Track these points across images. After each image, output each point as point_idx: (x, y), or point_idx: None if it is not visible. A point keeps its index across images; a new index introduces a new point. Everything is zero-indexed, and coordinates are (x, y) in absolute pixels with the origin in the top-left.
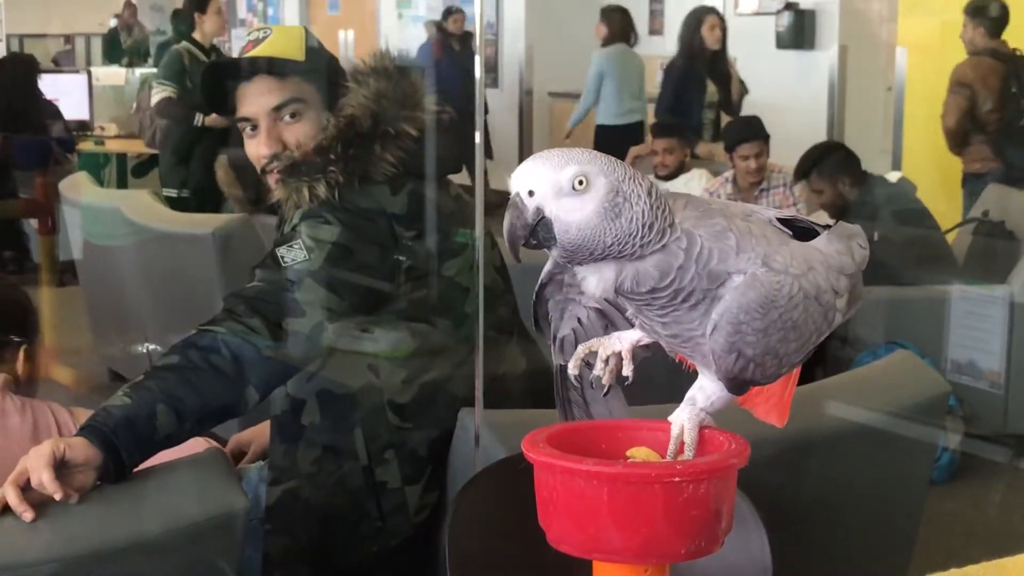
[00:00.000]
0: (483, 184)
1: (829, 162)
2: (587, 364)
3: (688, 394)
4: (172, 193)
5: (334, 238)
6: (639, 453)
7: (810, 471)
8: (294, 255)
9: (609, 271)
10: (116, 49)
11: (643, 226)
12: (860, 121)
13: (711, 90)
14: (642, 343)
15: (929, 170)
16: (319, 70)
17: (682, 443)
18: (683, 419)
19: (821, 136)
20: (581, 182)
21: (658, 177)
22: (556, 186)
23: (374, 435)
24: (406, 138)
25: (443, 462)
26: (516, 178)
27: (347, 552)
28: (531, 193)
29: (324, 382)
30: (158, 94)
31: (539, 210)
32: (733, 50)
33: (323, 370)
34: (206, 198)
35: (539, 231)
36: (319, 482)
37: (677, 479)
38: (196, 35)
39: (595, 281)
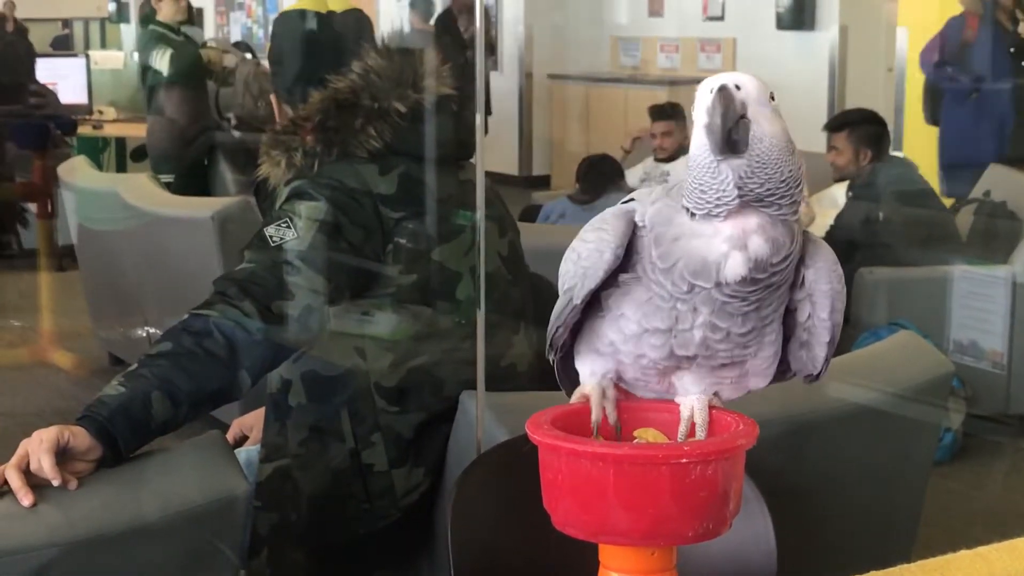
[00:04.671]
0: (483, 168)
1: (864, 131)
2: None
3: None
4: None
5: (321, 216)
6: (646, 434)
7: (813, 452)
8: (282, 234)
9: (757, 239)
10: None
11: (803, 177)
12: (861, 102)
13: None
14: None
15: (930, 151)
16: None
17: (693, 424)
18: (693, 400)
19: (822, 117)
20: (773, 98)
21: (657, 160)
22: (759, 90)
23: (360, 418)
24: (395, 115)
25: (431, 446)
26: (718, 78)
27: (334, 533)
28: (738, 87)
29: (310, 363)
30: (162, 56)
31: (744, 105)
32: (733, 31)
33: (310, 352)
34: (197, 180)
35: (739, 129)
36: (306, 462)
37: (684, 460)
38: (160, 18)
39: (740, 257)
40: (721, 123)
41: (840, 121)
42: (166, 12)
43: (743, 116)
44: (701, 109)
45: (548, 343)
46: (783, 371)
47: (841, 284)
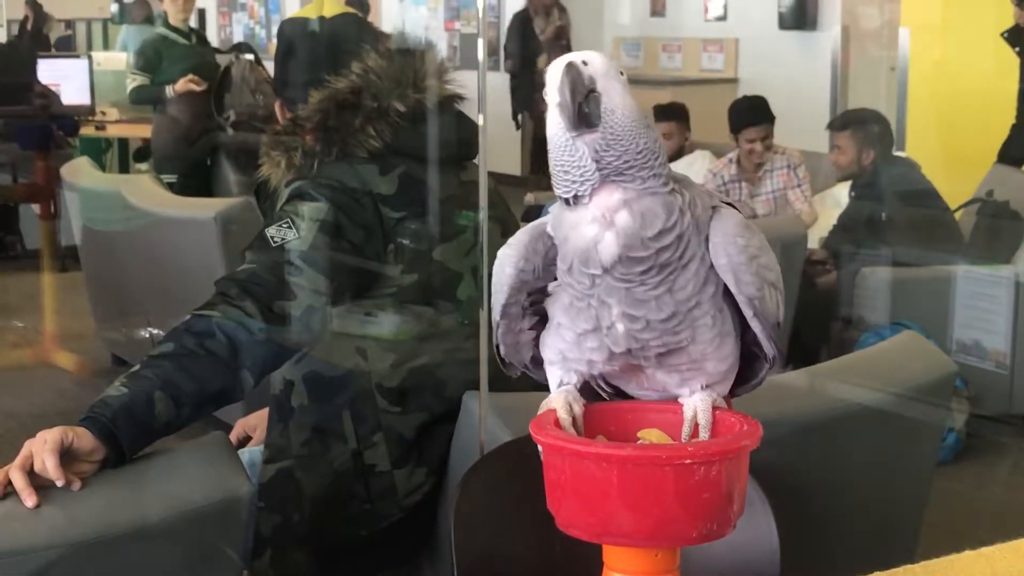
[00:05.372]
0: (486, 168)
1: (867, 130)
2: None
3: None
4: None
5: (322, 215)
6: (650, 435)
7: (816, 452)
8: (283, 234)
9: (623, 214)
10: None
11: (661, 150)
12: (863, 102)
13: None
14: None
15: (932, 150)
16: None
17: (696, 424)
18: (696, 400)
19: (824, 117)
20: (622, 74)
21: None
22: (607, 65)
23: (362, 418)
24: (394, 115)
25: (433, 446)
26: (567, 56)
27: (336, 533)
28: (584, 63)
29: (312, 364)
30: (131, 83)
31: (593, 79)
32: (735, 31)
33: (311, 353)
34: (200, 181)
35: (589, 103)
36: (309, 463)
37: (688, 461)
38: (171, 21)
39: (611, 237)
40: (571, 98)
41: (844, 120)
42: (173, 13)
43: (592, 90)
44: (552, 89)
45: (499, 361)
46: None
47: (745, 254)
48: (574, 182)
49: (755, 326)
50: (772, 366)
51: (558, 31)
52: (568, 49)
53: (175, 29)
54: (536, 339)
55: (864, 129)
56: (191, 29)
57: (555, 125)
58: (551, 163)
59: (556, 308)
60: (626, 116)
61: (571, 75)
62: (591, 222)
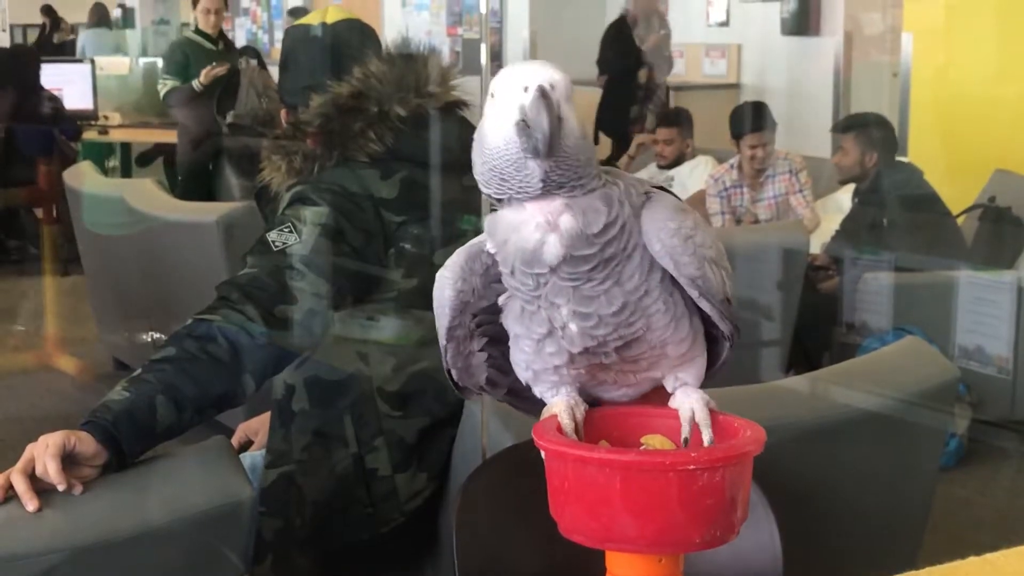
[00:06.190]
0: None
1: (871, 133)
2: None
3: (670, 385)
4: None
5: (323, 220)
6: (653, 441)
7: (819, 458)
8: (284, 238)
9: (567, 217)
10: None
11: (593, 155)
12: (866, 107)
13: None
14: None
15: (935, 156)
16: None
17: (696, 426)
18: (690, 401)
19: (827, 122)
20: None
21: (659, 168)
22: (567, 86)
23: (364, 422)
24: (395, 119)
25: (434, 450)
26: (529, 72)
27: (338, 538)
28: (552, 87)
29: (313, 369)
30: (163, 88)
31: (559, 105)
32: (738, 37)
33: (313, 357)
34: (202, 184)
35: (557, 132)
36: (310, 468)
37: (692, 467)
38: (201, 26)
39: (554, 239)
40: (549, 130)
41: (848, 123)
42: (202, 20)
43: (559, 118)
44: (511, 102)
45: (453, 385)
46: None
47: (678, 236)
48: (511, 190)
49: (704, 306)
50: (732, 343)
51: (661, 41)
52: (670, 61)
53: (204, 35)
54: (488, 360)
55: (868, 132)
56: (220, 35)
57: (506, 140)
58: (483, 164)
59: (510, 320)
60: (577, 139)
61: (547, 106)
62: (534, 227)
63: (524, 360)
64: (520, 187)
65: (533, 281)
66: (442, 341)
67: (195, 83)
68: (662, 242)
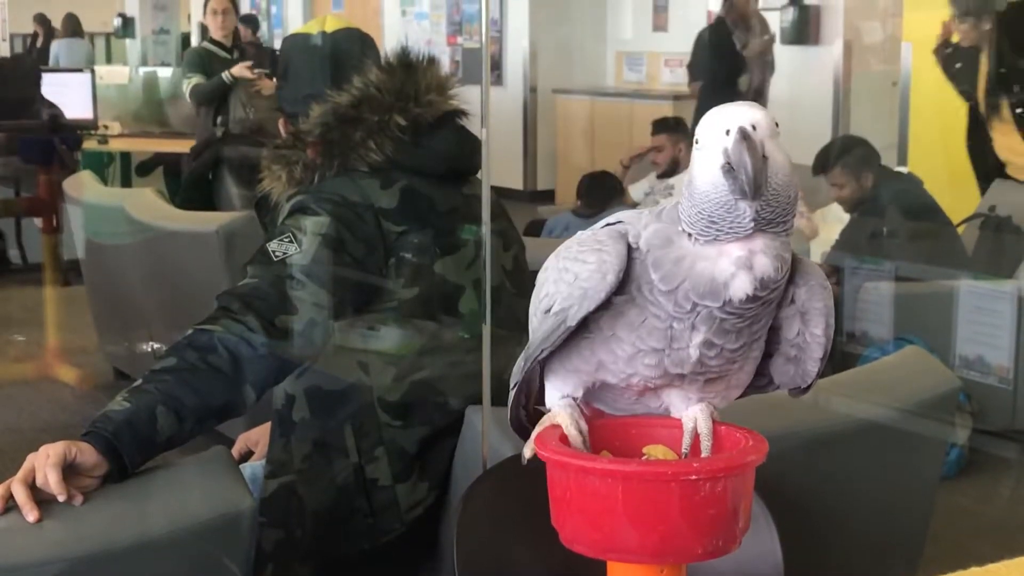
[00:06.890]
0: (489, 182)
1: (854, 156)
2: None
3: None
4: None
5: (323, 229)
6: (655, 451)
7: (820, 468)
8: (285, 248)
9: (762, 258)
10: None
11: (798, 194)
12: (866, 116)
13: None
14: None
15: (935, 165)
16: None
17: (697, 437)
18: (695, 412)
19: (827, 132)
20: (777, 125)
21: (658, 177)
22: (770, 126)
23: (364, 432)
24: (395, 129)
25: (435, 460)
26: (730, 115)
27: (338, 548)
28: (754, 128)
29: (313, 378)
30: (187, 86)
31: (763, 145)
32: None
33: (313, 367)
34: (203, 195)
35: (762, 172)
36: (311, 478)
37: (694, 477)
38: (213, 35)
39: (745, 276)
40: (753, 172)
41: (824, 160)
42: (214, 29)
43: (764, 157)
44: (715, 146)
45: (525, 365)
46: (765, 384)
47: (832, 302)
48: (720, 231)
49: (819, 365)
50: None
51: (765, 46)
52: (772, 66)
53: (217, 43)
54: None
55: (850, 157)
56: (234, 43)
57: (715, 184)
58: (691, 207)
59: (618, 322)
60: (784, 175)
61: (750, 148)
62: (731, 261)
63: (605, 359)
64: (731, 227)
65: (690, 305)
66: (571, 322)
67: (225, 75)
68: (824, 302)
